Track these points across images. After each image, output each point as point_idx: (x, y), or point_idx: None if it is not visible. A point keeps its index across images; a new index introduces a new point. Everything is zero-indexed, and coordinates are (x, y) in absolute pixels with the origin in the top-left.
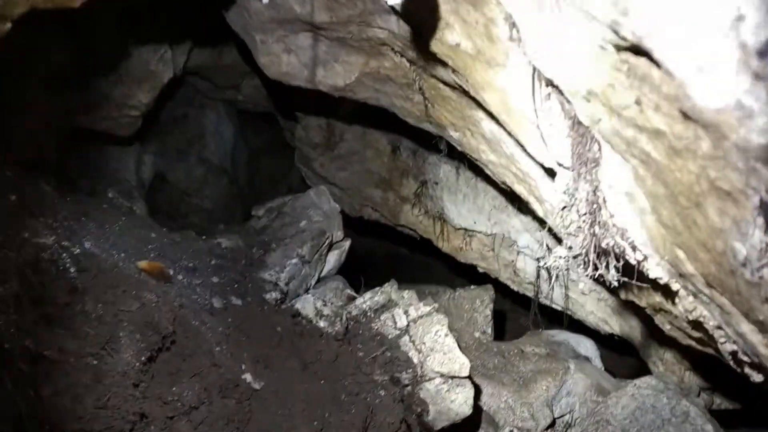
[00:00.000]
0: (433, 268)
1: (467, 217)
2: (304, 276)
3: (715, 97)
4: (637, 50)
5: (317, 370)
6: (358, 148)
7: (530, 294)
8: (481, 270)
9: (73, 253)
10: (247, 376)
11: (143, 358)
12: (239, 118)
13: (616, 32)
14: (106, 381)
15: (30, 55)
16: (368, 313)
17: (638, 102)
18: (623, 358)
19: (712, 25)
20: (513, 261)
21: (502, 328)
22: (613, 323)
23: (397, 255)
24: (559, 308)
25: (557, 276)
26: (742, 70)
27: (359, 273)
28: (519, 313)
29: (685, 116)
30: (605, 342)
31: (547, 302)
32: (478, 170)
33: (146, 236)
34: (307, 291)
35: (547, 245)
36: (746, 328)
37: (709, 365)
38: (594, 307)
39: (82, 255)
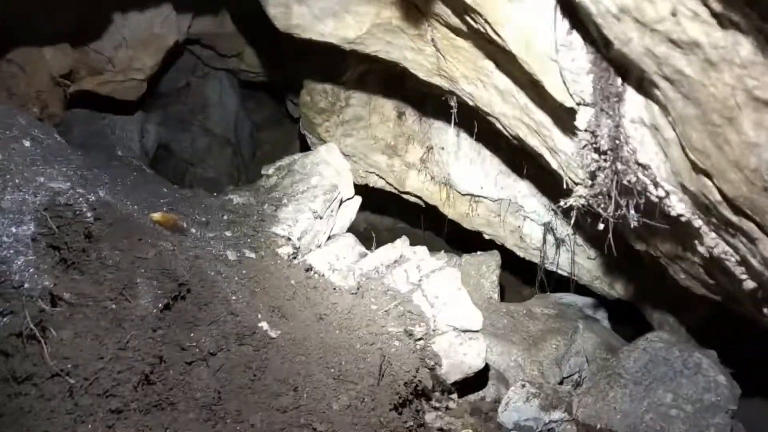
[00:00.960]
0: (434, 245)
1: (473, 182)
2: (316, 231)
3: None
4: None
5: (332, 321)
6: (363, 113)
7: (536, 260)
8: (486, 237)
9: (89, 200)
10: (264, 324)
11: (161, 305)
12: (242, 92)
13: None
14: (125, 325)
15: (36, 13)
16: (380, 269)
17: (674, 13)
18: (628, 323)
19: None
20: (519, 227)
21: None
22: (618, 287)
23: (398, 230)
24: (565, 274)
25: (564, 240)
26: None
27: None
28: (521, 286)
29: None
30: (610, 308)
31: (553, 268)
32: (485, 133)
33: (158, 191)
34: (319, 246)
35: (564, 189)
36: None
37: (714, 327)
38: (600, 272)
39: (97, 203)
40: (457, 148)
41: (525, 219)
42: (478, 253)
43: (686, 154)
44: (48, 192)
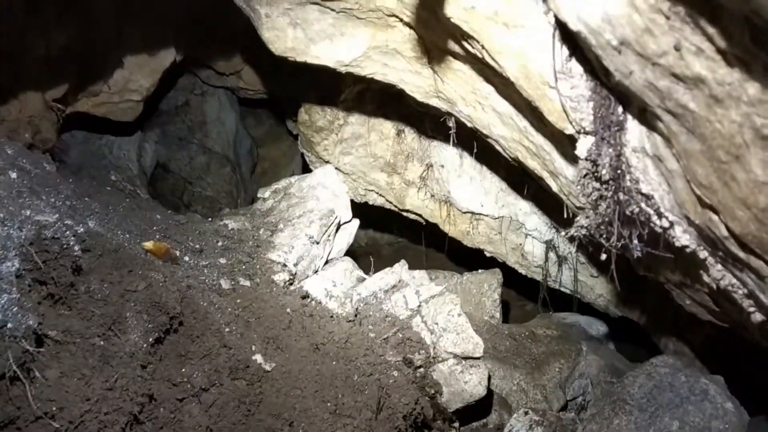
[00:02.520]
0: (435, 261)
1: (474, 200)
2: (312, 256)
3: None
4: None
5: (329, 351)
6: (362, 131)
7: (538, 278)
8: (488, 254)
9: (77, 232)
10: (258, 357)
11: (151, 339)
12: (240, 107)
13: None
14: (113, 362)
15: (29, 36)
16: (379, 294)
17: (677, 47)
18: (633, 342)
19: None
20: (521, 244)
21: (506, 319)
22: (622, 306)
23: (399, 246)
24: (568, 291)
25: (566, 258)
26: None
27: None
28: (524, 302)
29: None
30: (615, 327)
31: (556, 286)
32: (485, 151)
33: (151, 217)
34: (315, 272)
35: (565, 218)
36: None
37: (720, 349)
38: (603, 290)
39: (86, 234)
40: (457, 165)
41: (527, 237)
42: (480, 271)
43: (691, 188)
44: (34, 225)
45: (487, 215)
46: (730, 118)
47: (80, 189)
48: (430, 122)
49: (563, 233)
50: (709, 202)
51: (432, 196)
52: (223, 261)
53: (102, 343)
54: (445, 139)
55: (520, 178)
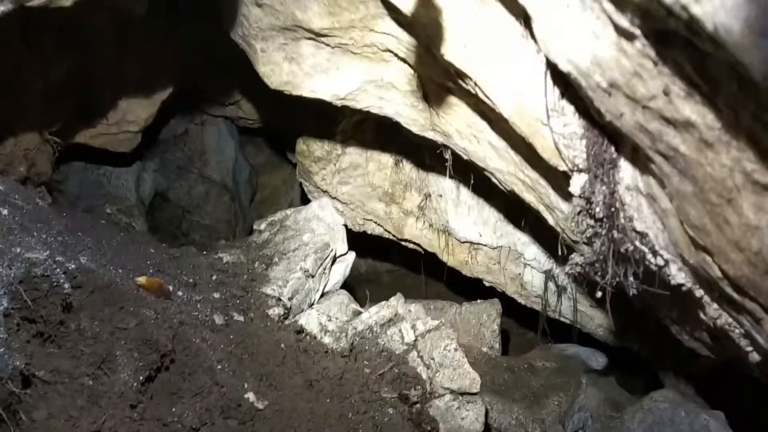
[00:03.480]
0: (435, 289)
1: (472, 229)
2: (307, 290)
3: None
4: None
5: (323, 388)
6: (360, 161)
7: (538, 308)
8: (487, 284)
9: (68, 269)
10: (250, 396)
11: (141, 378)
12: (240, 135)
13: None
14: (102, 402)
15: (26, 69)
16: (374, 328)
17: (666, 92)
18: (634, 372)
19: None
20: (520, 274)
21: (506, 348)
22: (622, 337)
23: (399, 278)
24: (568, 322)
25: (566, 288)
26: None
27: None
28: (525, 330)
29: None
30: (615, 357)
31: (555, 316)
32: (483, 181)
33: (145, 252)
34: (311, 306)
35: (559, 254)
36: None
37: (721, 382)
38: (603, 321)
39: (77, 270)
40: (455, 195)
41: (525, 266)
42: (479, 301)
43: (684, 229)
44: (24, 263)
45: (485, 245)
46: (720, 162)
47: (73, 224)
48: (428, 152)
49: (558, 270)
50: (702, 244)
51: (430, 225)
52: (217, 295)
53: (91, 382)
54: (443, 169)
55: (518, 209)
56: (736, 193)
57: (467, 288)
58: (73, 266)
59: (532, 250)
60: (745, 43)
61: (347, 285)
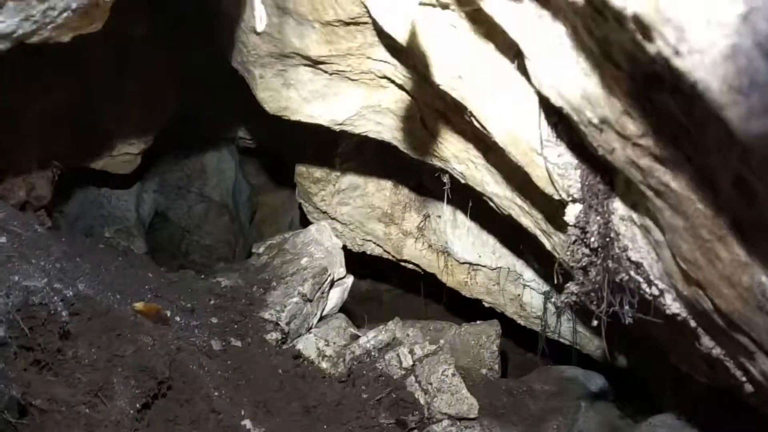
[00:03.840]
0: (434, 309)
1: (471, 250)
2: (305, 315)
3: (754, 120)
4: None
5: (320, 414)
6: (359, 182)
7: (537, 329)
8: (486, 305)
9: (66, 296)
10: (247, 423)
11: (138, 405)
12: (240, 155)
13: (638, 56)
14: (98, 431)
15: (25, 92)
16: (372, 353)
17: (656, 131)
18: (633, 394)
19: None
20: (519, 295)
21: (505, 368)
22: (621, 359)
23: (399, 297)
24: (567, 343)
25: (565, 310)
26: None
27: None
28: (524, 351)
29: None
30: (615, 378)
31: (555, 337)
32: (481, 203)
33: (143, 276)
34: (309, 330)
35: (555, 283)
36: None
37: (720, 405)
38: (603, 342)
39: (75, 297)
40: (454, 216)
41: (525, 287)
42: (478, 322)
43: (677, 262)
44: (22, 291)
45: (484, 266)
46: (711, 199)
47: (72, 249)
48: (427, 174)
49: (554, 300)
50: (695, 278)
51: (429, 246)
52: (214, 320)
53: (87, 411)
54: (443, 191)
55: (516, 230)
56: (727, 229)
57: (467, 308)
58: (71, 293)
59: (531, 272)
60: (725, 100)
61: (347, 305)
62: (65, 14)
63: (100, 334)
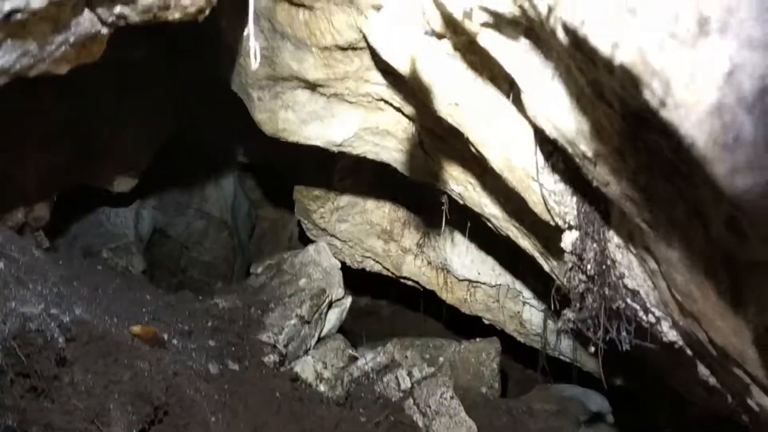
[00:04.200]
0: (434, 325)
1: (471, 267)
2: (303, 337)
3: (739, 176)
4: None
5: None
6: (358, 199)
7: (537, 346)
8: (486, 322)
9: (63, 321)
10: None
11: (134, 431)
12: (240, 170)
13: (629, 102)
14: None
15: (26, 114)
16: (370, 375)
17: (649, 167)
18: (633, 414)
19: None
20: (519, 312)
21: (506, 385)
22: (621, 378)
23: (399, 312)
24: (568, 360)
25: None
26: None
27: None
28: (526, 366)
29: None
30: (615, 396)
31: (555, 354)
32: (480, 221)
33: (141, 299)
34: (306, 352)
35: (553, 304)
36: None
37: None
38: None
39: (71, 322)
40: (454, 233)
41: (524, 304)
42: (478, 340)
43: (672, 293)
44: (18, 318)
45: (484, 283)
46: (704, 236)
47: (69, 272)
48: (426, 191)
49: (552, 325)
50: (690, 310)
51: (429, 263)
52: (212, 343)
53: None
54: (442, 208)
55: (516, 248)
56: (719, 266)
57: (467, 324)
58: (67, 318)
59: (530, 289)
60: (710, 155)
61: (346, 322)
62: (63, 48)
63: (97, 359)
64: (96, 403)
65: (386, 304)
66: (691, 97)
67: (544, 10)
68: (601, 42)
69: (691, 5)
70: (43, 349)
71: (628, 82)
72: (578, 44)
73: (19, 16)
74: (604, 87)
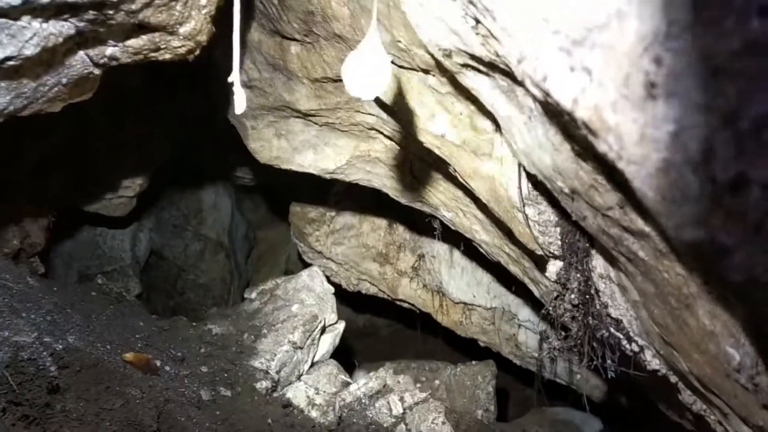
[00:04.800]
0: (431, 345)
1: (466, 290)
2: (296, 362)
3: (687, 230)
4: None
5: None
6: (354, 222)
7: (533, 368)
8: (482, 344)
9: (56, 350)
10: None
11: None
12: (237, 190)
13: (591, 150)
14: None
15: (21, 142)
16: (363, 400)
17: (621, 205)
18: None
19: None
20: (514, 335)
21: (505, 404)
22: (619, 398)
23: (398, 331)
24: (563, 383)
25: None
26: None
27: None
28: (522, 387)
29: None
30: (612, 417)
31: (551, 377)
32: (474, 249)
33: (134, 325)
34: (299, 378)
35: (544, 330)
36: (746, 430)
37: None
38: (599, 381)
39: (64, 350)
40: (449, 257)
41: (520, 327)
42: (473, 362)
43: (652, 324)
44: (11, 347)
45: (479, 306)
46: (676, 271)
47: (63, 299)
48: (420, 215)
49: (540, 352)
50: (668, 341)
51: (424, 286)
52: (204, 369)
53: None
54: (435, 231)
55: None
56: (693, 299)
57: (465, 344)
58: (60, 347)
59: (525, 311)
60: (659, 209)
61: (344, 343)
62: (56, 88)
63: (89, 386)
64: (88, 431)
65: (384, 326)
66: (641, 154)
67: (513, 61)
68: (562, 97)
69: (641, 69)
70: (35, 378)
71: (589, 134)
72: (545, 94)
73: (12, 62)
74: (573, 131)
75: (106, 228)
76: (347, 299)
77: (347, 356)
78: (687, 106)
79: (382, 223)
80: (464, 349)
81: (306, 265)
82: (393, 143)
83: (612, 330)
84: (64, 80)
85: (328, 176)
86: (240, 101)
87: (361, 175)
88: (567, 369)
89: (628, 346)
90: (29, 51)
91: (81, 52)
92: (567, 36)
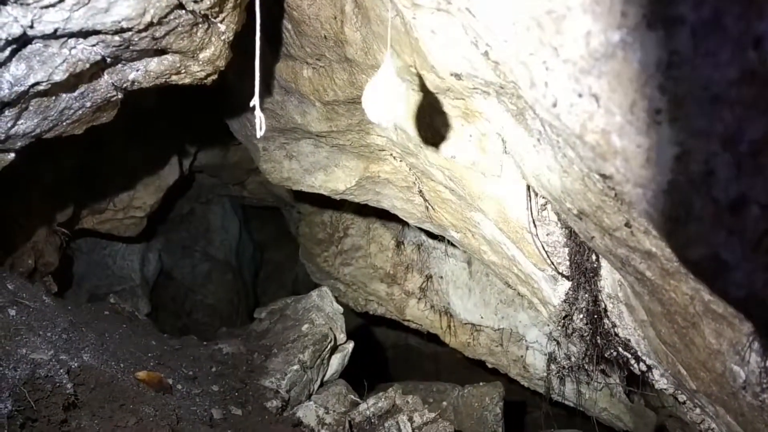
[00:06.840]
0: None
1: (474, 311)
2: (305, 382)
3: (692, 249)
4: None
5: None
6: (362, 243)
7: (541, 390)
8: (490, 365)
9: (71, 367)
10: None
11: None
12: (245, 212)
13: (599, 172)
14: None
15: (36, 163)
16: (372, 420)
17: (628, 225)
18: None
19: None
20: (522, 356)
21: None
22: (627, 420)
23: (406, 347)
24: (572, 404)
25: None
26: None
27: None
28: (531, 408)
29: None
30: None
31: (559, 398)
32: (482, 265)
33: (146, 344)
34: (309, 397)
35: (552, 351)
36: None
37: None
38: (607, 404)
39: (80, 368)
40: (456, 277)
41: (528, 348)
42: (481, 384)
43: (659, 342)
44: (29, 364)
45: (487, 327)
46: (682, 291)
47: (78, 318)
48: (427, 233)
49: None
50: (675, 359)
51: (432, 307)
52: (215, 388)
53: None
54: (443, 251)
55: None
56: (698, 318)
57: (474, 364)
58: (75, 364)
59: (533, 333)
60: (666, 228)
61: (354, 359)
62: (80, 111)
63: (103, 404)
64: None
65: (391, 347)
66: (647, 175)
67: (524, 87)
68: (571, 121)
69: (646, 96)
70: (51, 395)
71: (597, 156)
72: (554, 118)
73: (41, 86)
74: (581, 154)
75: (115, 248)
76: (360, 314)
77: (355, 378)
78: (689, 131)
79: (390, 243)
80: (476, 362)
81: (314, 285)
82: (403, 164)
83: (620, 350)
84: (88, 103)
85: (337, 197)
86: (261, 124)
87: (371, 196)
88: (575, 390)
89: (636, 365)
90: (58, 77)
91: (105, 77)
92: (575, 64)
